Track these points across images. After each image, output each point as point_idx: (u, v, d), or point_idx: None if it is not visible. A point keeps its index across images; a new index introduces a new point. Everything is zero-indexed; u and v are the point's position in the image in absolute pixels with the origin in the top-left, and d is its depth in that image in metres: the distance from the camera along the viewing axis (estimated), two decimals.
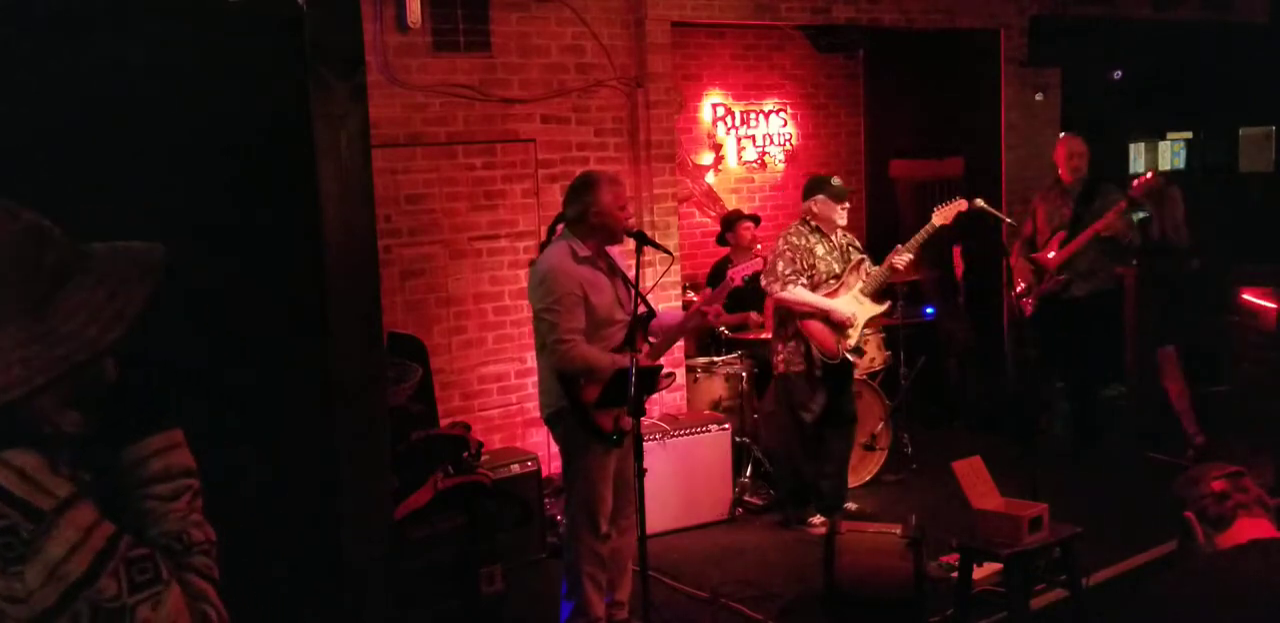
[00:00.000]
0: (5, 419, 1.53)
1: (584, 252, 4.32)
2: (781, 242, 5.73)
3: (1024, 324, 6.93)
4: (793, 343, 5.73)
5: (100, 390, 1.65)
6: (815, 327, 5.64)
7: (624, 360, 4.20)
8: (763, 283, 5.68)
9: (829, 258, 5.69)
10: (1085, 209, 6.59)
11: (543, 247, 4.49)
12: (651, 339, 4.54)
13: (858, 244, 5.90)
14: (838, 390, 5.80)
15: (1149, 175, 6.54)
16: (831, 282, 5.67)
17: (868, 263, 5.77)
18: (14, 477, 1.53)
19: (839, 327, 5.62)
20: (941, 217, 5.69)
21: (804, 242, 5.66)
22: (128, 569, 1.57)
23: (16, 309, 1.54)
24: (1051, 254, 6.64)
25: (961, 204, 5.71)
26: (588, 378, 4.28)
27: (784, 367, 5.77)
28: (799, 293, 5.61)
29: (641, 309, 4.32)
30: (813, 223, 5.70)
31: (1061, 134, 7.05)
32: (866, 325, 5.78)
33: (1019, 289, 6.69)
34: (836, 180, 5.75)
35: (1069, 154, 6.73)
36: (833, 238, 5.73)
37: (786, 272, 5.61)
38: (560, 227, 4.43)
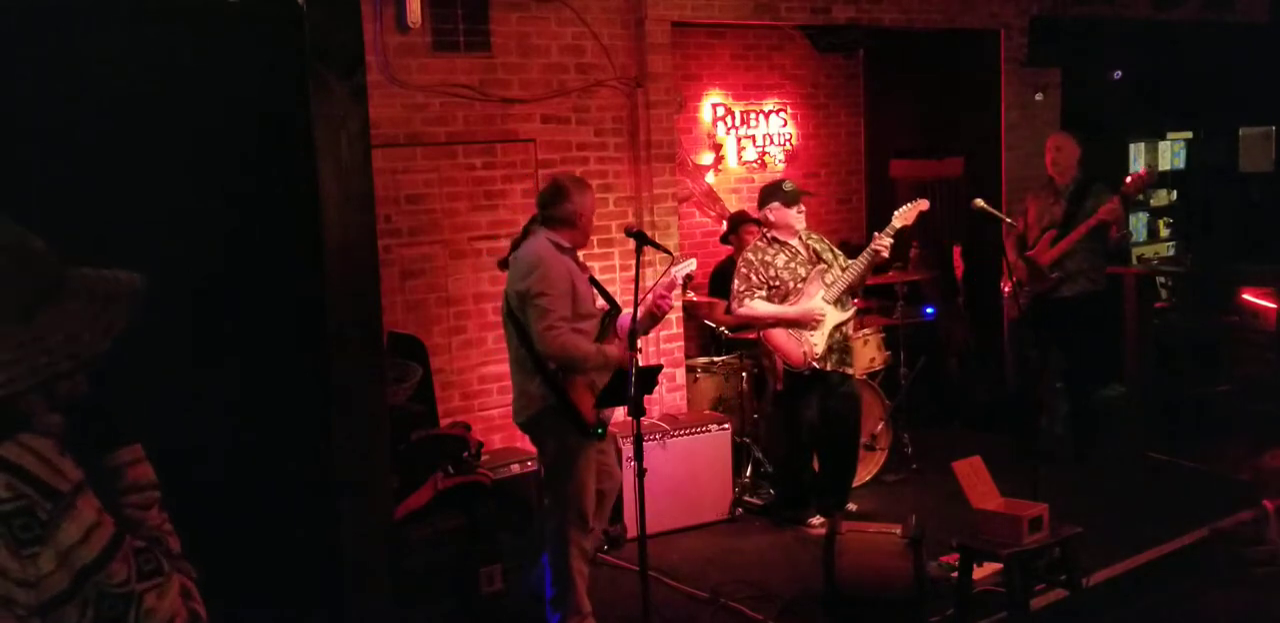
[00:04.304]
0: (3, 414, 1.59)
1: (566, 243, 4.44)
2: (740, 260, 5.73)
3: (1023, 324, 6.91)
4: (767, 358, 5.76)
5: (76, 400, 1.71)
6: (777, 338, 5.62)
7: (610, 350, 4.37)
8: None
9: (793, 265, 5.63)
10: (1078, 208, 6.57)
11: (515, 244, 4.54)
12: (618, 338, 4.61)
13: (829, 249, 5.80)
14: (828, 395, 5.74)
15: (1142, 171, 6.54)
16: (799, 288, 5.61)
17: (833, 271, 5.65)
18: (33, 458, 1.57)
19: (804, 332, 5.56)
20: (902, 219, 5.57)
21: (759, 256, 5.64)
22: (135, 557, 1.62)
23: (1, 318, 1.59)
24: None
25: (922, 204, 5.61)
26: (573, 370, 4.34)
27: (769, 377, 5.82)
28: (755, 306, 5.60)
29: (606, 306, 4.48)
30: (769, 234, 5.67)
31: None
32: (866, 326, 5.75)
33: (1008, 288, 6.70)
34: (789, 184, 5.69)
35: (1048, 148, 6.76)
36: (793, 244, 5.66)
37: (741, 288, 5.63)
38: (535, 226, 4.51)
